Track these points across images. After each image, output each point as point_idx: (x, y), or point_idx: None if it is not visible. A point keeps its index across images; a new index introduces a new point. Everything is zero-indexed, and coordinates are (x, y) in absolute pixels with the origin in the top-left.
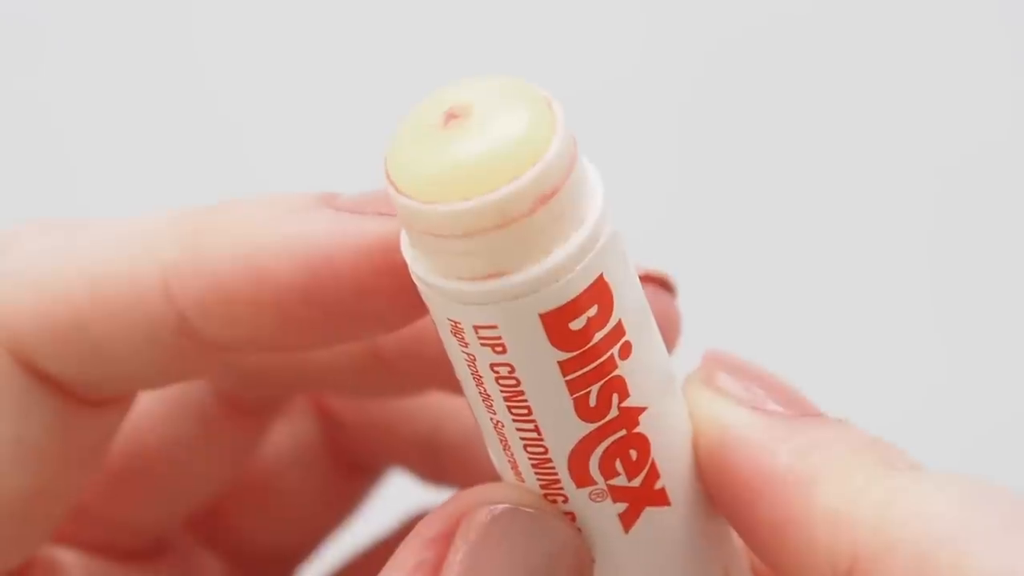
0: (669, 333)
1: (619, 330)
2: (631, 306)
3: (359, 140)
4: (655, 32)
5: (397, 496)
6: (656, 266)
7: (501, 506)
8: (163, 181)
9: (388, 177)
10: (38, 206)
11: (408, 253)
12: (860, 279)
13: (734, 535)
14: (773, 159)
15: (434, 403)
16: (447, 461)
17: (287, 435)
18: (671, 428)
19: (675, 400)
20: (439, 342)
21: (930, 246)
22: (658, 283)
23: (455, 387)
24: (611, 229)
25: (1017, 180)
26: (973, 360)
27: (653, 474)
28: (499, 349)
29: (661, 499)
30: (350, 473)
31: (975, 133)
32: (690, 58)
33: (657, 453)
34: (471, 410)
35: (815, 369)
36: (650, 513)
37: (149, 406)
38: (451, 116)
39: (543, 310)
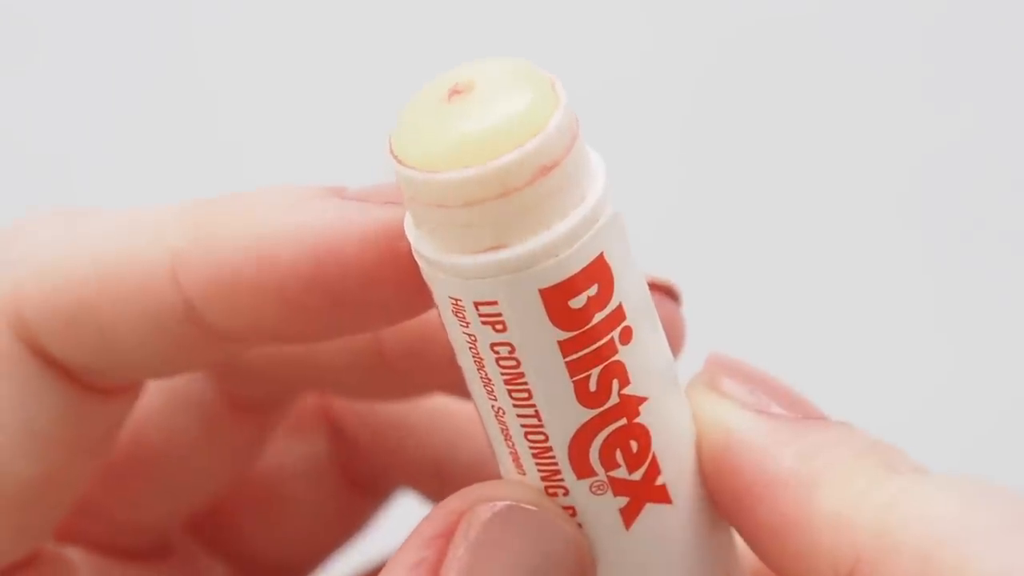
0: (674, 340)
1: (619, 314)
2: (632, 292)
3: (361, 141)
4: (659, 32)
5: (404, 516)
6: (660, 273)
7: (502, 503)
8: (162, 181)
9: (391, 151)
10: (37, 205)
11: (411, 233)
12: (862, 281)
13: (737, 541)
14: (777, 162)
15: (446, 427)
16: (456, 486)
17: (296, 446)
18: (673, 425)
19: (678, 399)
20: (443, 343)
21: (932, 248)
22: (663, 291)
23: (459, 390)
24: (612, 211)
25: (1018, 181)
26: (974, 362)
27: (654, 469)
28: (499, 327)
29: (662, 496)
30: (358, 490)
31: (980, 135)
32: (694, 58)
33: (658, 447)
34: (474, 403)
35: (818, 372)
36: (651, 510)
37: (150, 400)
38: (455, 92)
39: (543, 286)
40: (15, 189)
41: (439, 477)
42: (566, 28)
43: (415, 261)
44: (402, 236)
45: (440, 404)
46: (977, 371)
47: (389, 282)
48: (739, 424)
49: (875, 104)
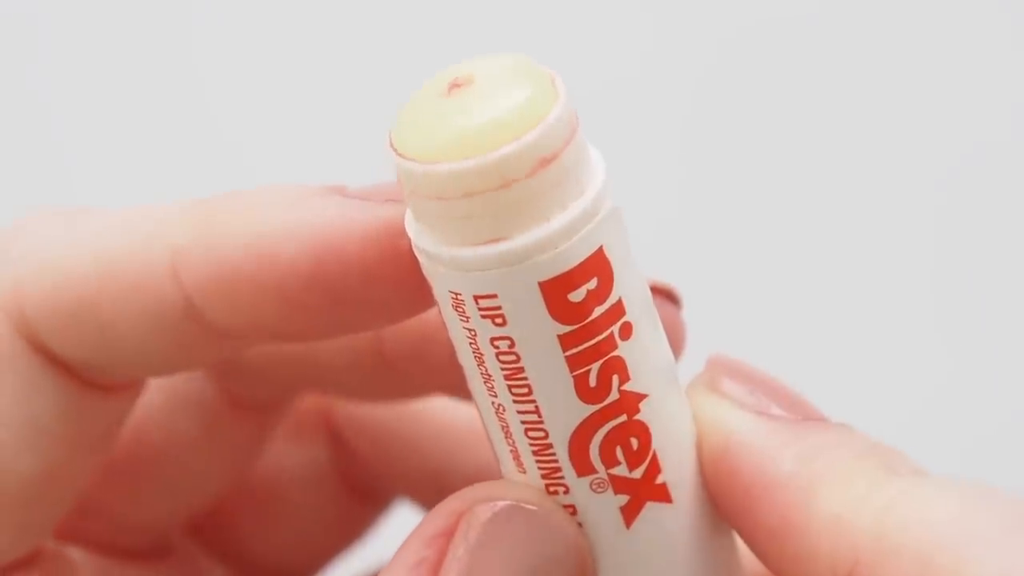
0: (674, 344)
1: (619, 308)
2: (632, 288)
3: (360, 140)
4: (659, 32)
5: (404, 524)
6: (660, 273)
7: (502, 503)
8: (162, 181)
9: (391, 144)
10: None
11: (412, 228)
12: (861, 282)
13: (739, 543)
14: (776, 162)
15: (446, 439)
16: None
17: (295, 451)
18: (673, 423)
19: (678, 398)
20: (444, 343)
21: (933, 249)
22: (663, 294)
23: (459, 390)
24: (612, 205)
25: (1017, 182)
26: (973, 363)
27: (654, 467)
28: (499, 321)
29: (663, 495)
30: (358, 497)
31: (979, 135)
32: (694, 58)
33: (658, 445)
34: (474, 401)
35: (818, 373)
36: (652, 509)
37: (150, 398)
38: (454, 86)
39: (542, 278)
40: (15, 189)
41: (438, 488)
42: (566, 27)
43: (416, 259)
44: (403, 234)
45: (441, 415)
46: (976, 372)
47: (390, 280)
48: (739, 425)
49: (874, 105)
